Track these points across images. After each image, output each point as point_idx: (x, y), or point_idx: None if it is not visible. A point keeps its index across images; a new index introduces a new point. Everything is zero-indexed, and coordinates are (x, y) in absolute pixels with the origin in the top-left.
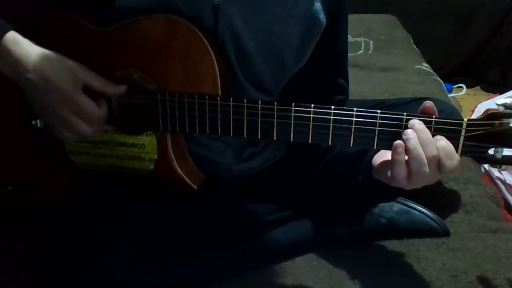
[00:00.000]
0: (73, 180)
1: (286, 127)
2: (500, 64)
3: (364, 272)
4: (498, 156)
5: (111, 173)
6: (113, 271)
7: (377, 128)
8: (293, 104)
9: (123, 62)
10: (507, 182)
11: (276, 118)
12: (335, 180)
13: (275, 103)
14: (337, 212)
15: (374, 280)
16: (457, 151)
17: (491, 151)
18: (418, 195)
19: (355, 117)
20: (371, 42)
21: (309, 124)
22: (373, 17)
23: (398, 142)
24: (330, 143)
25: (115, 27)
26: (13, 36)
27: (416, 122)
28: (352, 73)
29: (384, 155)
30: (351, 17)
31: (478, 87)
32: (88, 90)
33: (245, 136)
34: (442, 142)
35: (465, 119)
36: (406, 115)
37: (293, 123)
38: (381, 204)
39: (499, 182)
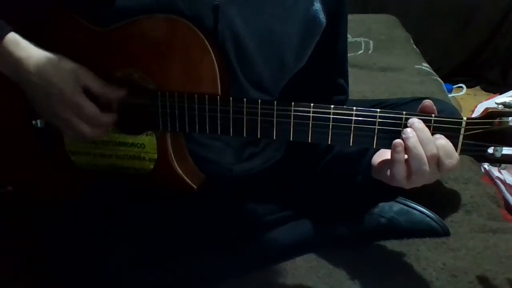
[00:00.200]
0: (73, 180)
1: (286, 126)
2: (500, 64)
3: (364, 272)
4: (498, 154)
5: (111, 173)
6: (113, 271)
7: (377, 127)
8: (292, 103)
9: (123, 62)
10: (507, 182)
11: (276, 117)
12: (335, 180)
13: (275, 102)
14: (337, 212)
15: (374, 280)
16: (456, 150)
17: (490, 150)
18: (418, 195)
19: (355, 116)
20: (371, 42)
21: (309, 123)
22: (373, 17)
23: (398, 141)
24: (329, 142)
25: (115, 27)
26: (13, 37)
27: (415, 121)
28: (352, 73)
29: (384, 154)
30: (351, 17)
31: (478, 87)
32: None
33: (244, 135)
34: (442, 140)
35: (465, 118)
36: (406, 114)
37: (293, 122)
38: (381, 204)
39: (499, 182)
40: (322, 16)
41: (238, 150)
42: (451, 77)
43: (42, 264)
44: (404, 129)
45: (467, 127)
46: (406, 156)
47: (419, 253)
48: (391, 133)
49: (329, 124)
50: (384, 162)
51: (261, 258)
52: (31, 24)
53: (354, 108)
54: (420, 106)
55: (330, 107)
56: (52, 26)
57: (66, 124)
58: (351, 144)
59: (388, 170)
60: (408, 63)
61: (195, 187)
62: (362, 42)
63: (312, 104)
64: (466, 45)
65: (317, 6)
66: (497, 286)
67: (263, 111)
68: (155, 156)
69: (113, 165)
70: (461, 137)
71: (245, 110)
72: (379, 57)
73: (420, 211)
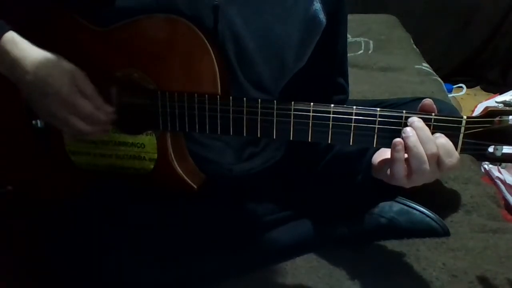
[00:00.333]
0: (73, 180)
1: (286, 126)
2: (500, 64)
3: (364, 272)
4: (498, 153)
5: (111, 173)
6: (113, 271)
7: (377, 126)
8: (292, 102)
9: (123, 62)
10: (507, 182)
11: (276, 117)
12: (335, 180)
13: (275, 101)
14: (337, 212)
15: (374, 280)
16: (456, 149)
17: (490, 149)
18: (418, 195)
19: (355, 115)
20: (371, 42)
21: (309, 122)
22: (373, 17)
23: (398, 140)
24: (329, 142)
25: (115, 27)
26: (11, 37)
27: (415, 120)
28: (352, 73)
29: (384, 154)
30: (351, 17)
31: (478, 87)
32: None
33: (244, 134)
34: (442, 139)
35: (465, 117)
36: (406, 113)
37: (293, 121)
38: (381, 204)
39: (499, 182)
40: (322, 16)
41: (238, 150)
42: (451, 77)
43: (42, 264)
44: (404, 128)
45: (467, 126)
46: (406, 155)
47: (419, 253)
48: (391, 132)
49: (329, 123)
50: (384, 161)
51: (261, 258)
52: (31, 24)
53: (354, 107)
54: (420, 105)
55: (330, 106)
56: (52, 26)
57: (64, 123)
58: (351, 143)
59: (388, 169)
60: (408, 63)
61: (195, 187)
62: (362, 42)
63: (312, 103)
64: (466, 45)
65: (317, 6)
66: (497, 286)
67: (263, 111)
68: (155, 156)
69: (113, 165)
70: (461, 136)
71: (245, 109)
72: (379, 57)
73: (420, 211)
